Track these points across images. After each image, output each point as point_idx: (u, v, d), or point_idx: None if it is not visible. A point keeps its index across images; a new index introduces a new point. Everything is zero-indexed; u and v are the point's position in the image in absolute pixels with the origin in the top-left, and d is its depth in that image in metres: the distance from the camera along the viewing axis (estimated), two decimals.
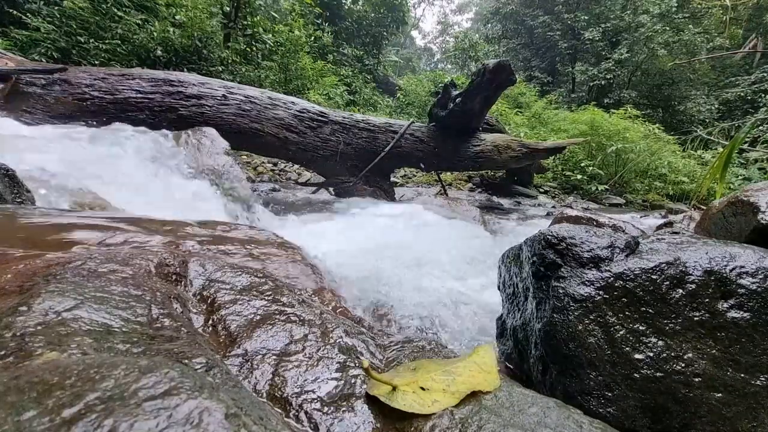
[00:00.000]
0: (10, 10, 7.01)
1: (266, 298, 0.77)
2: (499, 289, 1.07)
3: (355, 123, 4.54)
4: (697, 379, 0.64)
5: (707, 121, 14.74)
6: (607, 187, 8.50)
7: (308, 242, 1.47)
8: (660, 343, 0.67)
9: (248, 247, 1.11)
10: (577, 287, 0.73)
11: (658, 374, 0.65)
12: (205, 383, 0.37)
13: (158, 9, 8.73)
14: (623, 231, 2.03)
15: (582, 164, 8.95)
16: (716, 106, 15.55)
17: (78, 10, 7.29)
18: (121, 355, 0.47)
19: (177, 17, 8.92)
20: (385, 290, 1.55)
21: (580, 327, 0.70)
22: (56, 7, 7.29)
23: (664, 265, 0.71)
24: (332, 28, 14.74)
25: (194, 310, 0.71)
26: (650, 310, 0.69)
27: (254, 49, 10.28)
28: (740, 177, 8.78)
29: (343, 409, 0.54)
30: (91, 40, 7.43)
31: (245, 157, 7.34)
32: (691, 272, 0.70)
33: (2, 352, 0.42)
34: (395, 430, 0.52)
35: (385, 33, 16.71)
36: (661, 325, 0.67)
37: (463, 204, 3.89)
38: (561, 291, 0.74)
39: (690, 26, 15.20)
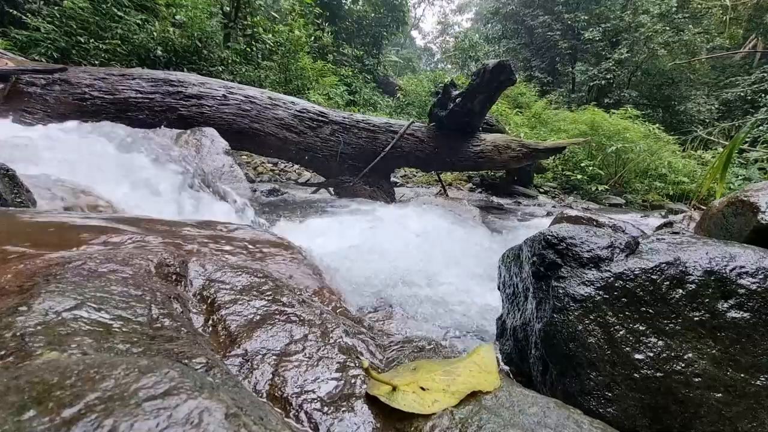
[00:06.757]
0: (10, 10, 7.01)
1: (266, 298, 0.77)
2: (499, 289, 1.07)
3: (355, 123, 4.54)
4: (697, 379, 0.64)
5: (707, 121, 14.72)
6: (607, 187, 8.51)
7: (308, 242, 1.47)
8: (660, 343, 0.67)
9: (248, 247, 1.11)
10: (577, 287, 0.73)
11: (658, 374, 0.65)
12: (205, 383, 0.37)
13: (158, 9, 8.73)
14: (623, 231, 2.03)
15: (582, 164, 8.96)
16: (716, 106, 15.53)
17: (78, 10, 7.29)
18: (121, 355, 0.47)
19: (177, 17, 8.94)
20: (385, 290, 1.55)
21: (580, 327, 0.70)
22: (56, 7, 7.29)
23: (664, 265, 0.71)
24: (332, 28, 14.72)
25: (194, 310, 0.71)
26: (650, 310, 0.69)
27: (254, 49, 10.28)
28: (740, 177, 8.77)
29: (343, 409, 0.54)
30: (91, 40, 7.43)
31: (245, 157, 7.34)
32: (691, 272, 0.70)
33: (2, 352, 0.42)
34: (395, 430, 0.51)
35: (385, 33, 16.69)
36: (661, 325, 0.67)
37: (463, 204, 3.89)
38: (561, 291, 0.74)
39: (690, 26, 15.17)
